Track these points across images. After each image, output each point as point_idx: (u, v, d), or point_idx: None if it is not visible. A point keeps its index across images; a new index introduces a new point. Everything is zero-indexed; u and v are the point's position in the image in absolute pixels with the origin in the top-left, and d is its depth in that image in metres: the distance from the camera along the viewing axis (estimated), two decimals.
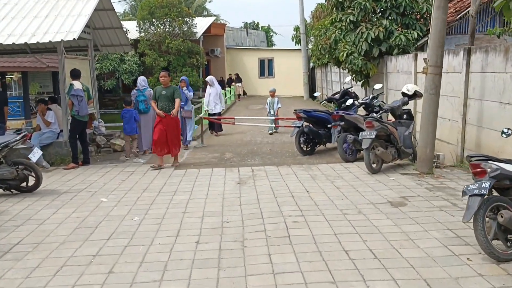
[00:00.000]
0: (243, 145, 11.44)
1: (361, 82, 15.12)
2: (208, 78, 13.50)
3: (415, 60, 10.77)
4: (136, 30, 29.31)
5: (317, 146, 10.06)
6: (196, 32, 29.76)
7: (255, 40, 40.19)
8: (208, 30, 31.03)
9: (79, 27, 8.94)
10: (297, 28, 32.15)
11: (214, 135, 13.32)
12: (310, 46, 31.50)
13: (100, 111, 13.05)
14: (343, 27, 14.31)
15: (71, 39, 8.64)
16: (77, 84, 9.09)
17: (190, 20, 29.41)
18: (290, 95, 32.20)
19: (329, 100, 10.52)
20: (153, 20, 28.60)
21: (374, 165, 7.77)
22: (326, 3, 30.69)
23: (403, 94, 8.28)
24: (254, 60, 33.65)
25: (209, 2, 49.03)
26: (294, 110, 9.97)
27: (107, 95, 30.82)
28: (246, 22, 48.07)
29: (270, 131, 13.17)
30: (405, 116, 8.42)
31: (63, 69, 9.65)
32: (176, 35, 28.91)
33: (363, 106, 9.60)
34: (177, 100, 8.97)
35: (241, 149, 10.85)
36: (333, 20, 14.79)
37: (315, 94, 11.86)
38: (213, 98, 12.97)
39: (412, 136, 8.36)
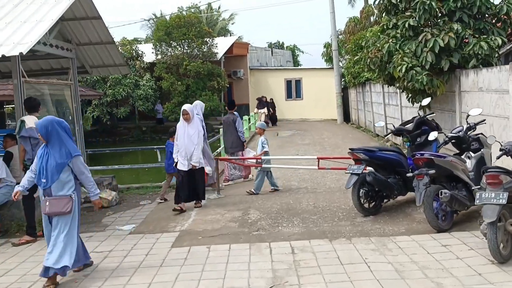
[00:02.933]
0: (274, 196, 8.29)
1: (420, 104, 11.90)
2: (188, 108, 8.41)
3: None
4: (152, 53, 26.99)
5: (384, 201, 6.88)
6: (217, 53, 27.20)
7: (281, 60, 37.41)
8: (230, 50, 28.42)
9: (34, 37, 6.10)
10: (327, 45, 29.16)
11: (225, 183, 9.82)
12: (342, 64, 28.48)
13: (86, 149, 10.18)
14: (399, 35, 11.21)
15: (17, 53, 5.78)
16: (30, 121, 6.17)
17: (211, 40, 26.92)
18: (321, 118, 29.04)
19: (398, 132, 7.34)
20: (170, 41, 26.16)
21: (503, 250, 4.55)
22: (359, 16, 27.86)
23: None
24: (280, 81, 30.74)
25: (232, 24, 46.86)
26: (350, 149, 6.83)
27: (122, 123, 28.35)
28: (271, 42, 45.54)
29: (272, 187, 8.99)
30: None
31: (19, 98, 6.81)
32: (195, 57, 26.41)
33: (453, 141, 6.43)
34: None
35: (272, 203, 7.71)
36: (385, 27, 11.68)
37: (377, 124, 8.53)
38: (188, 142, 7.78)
39: None
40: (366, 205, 6.69)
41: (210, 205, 7.90)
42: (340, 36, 28.81)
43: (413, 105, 12.45)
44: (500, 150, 5.22)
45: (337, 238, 5.73)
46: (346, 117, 27.12)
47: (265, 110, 25.49)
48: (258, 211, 7.27)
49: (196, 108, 8.60)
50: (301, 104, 30.13)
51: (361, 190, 6.61)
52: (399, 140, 14.53)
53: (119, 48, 27.00)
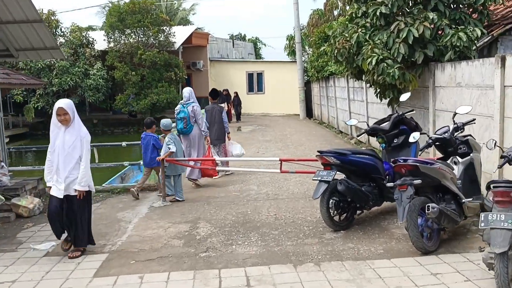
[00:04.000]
0: (230, 203, 7.13)
1: (389, 99, 11.09)
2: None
3: (503, 67, 6.71)
4: (104, 40, 25.17)
5: (357, 212, 5.86)
6: (175, 42, 25.68)
7: (242, 52, 36.15)
8: (188, 40, 26.93)
9: None
10: (290, 38, 28.19)
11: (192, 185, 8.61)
12: (305, 57, 27.58)
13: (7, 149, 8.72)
14: (369, 24, 10.29)
15: None
16: None
17: (168, 29, 25.36)
18: (283, 113, 28.11)
19: (373, 131, 6.27)
20: (124, 28, 24.42)
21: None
22: (323, 9, 27.01)
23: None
24: (241, 74, 29.53)
25: (193, 14, 45.14)
26: (319, 152, 5.76)
27: None
28: (232, 34, 44.14)
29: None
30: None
31: None
32: (150, 46, 24.81)
33: (437, 144, 5.47)
34: None
35: (226, 214, 6.55)
36: (354, 15, 10.73)
37: (349, 123, 7.40)
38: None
39: None
40: (336, 218, 5.65)
41: (152, 215, 6.66)
42: (303, 30, 27.89)
43: (381, 101, 11.59)
44: (502, 157, 4.28)
45: (303, 262, 4.64)
46: (309, 113, 26.28)
47: (224, 105, 24.07)
48: (209, 223, 6.10)
49: (191, 94, 8.75)
50: (263, 98, 29.08)
51: (331, 201, 5.56)
52: (378, 141, 13.68)
53: (67, 34, 25.31)
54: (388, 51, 9.44)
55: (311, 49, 27.95)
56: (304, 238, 5.42)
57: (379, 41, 9.69)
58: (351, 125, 6.86)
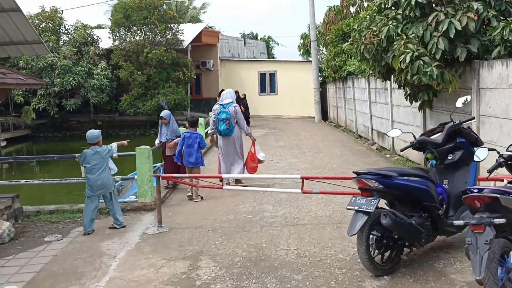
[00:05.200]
0: (240, 230, 5.83)
1: (421, 102, 9.81)
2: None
3: None
4: (109, 38, 24.06)
5: (404, 251, 4.53)
6: (183, 41, 24.48)
7: (254, 51, 34.84)
8: (198, 38, 25.71)
9: None
10: (304, 36, 26.83)
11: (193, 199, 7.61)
12: (320, 56, 26.20)
13: None
14: (400, 16, 8.98)
15: None
16: None
17: (176, 26, 24.15)
18: (297, 115, 26.75)
19: (420, 145, 4.92)
20: (130, 25, 23.28)
21: None
22: (340, 5, 25.61)
23: None
24: (253, 74, 28.22)
25: (204, 13, 43.84)
26: (356, 173, 4.43)
27: (73, 116, 25.31)
28: (244, 33, 42.89)
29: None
30: None
31: None
32: (157, 44, 23.62)
33: (510, 162, 4.15)
34: None
35: (234, 247, 5.26)
36: (383, 6, 9.40)
37: (390, 134, 6.04)
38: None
39: None
40: (378, 258, 4.34)
41: (144, 246, 5.38)
42: (318, 27, 26.52)
43: (411, 103, 10.23)
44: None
45: None
46: (324, 115, 24.92)
47: None
48: (214, 261, 4.81)
49: (231, 94, 8.57)
50: (276, 100, 27.72)
51: (371, 236, 4.26)
52: (414, 152, 12.27)
53: (72, 32, 24.25)
54: (425, 47, 8.12)
55: (325, 48, 26.65)
56: (337, 287, 4.11)
57: (413, 35, 8.34)
58: (393, 137, 5.80)
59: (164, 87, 23.06)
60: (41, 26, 23.31)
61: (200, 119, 8.11)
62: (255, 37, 42.36)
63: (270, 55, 39.05)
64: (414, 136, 5.16)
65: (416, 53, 8.04)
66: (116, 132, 24.90)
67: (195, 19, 39.45)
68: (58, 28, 23.90)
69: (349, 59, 19.21)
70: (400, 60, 8.19)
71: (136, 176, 7.11)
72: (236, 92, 22.03)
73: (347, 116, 20.00)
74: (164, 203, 7.29)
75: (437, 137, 4.94)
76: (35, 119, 22.73)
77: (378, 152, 12.82)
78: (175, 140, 8.12)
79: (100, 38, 24.41)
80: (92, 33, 24.30)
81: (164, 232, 5.84)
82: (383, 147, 13.55)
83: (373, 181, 4.25)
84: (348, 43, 10.04)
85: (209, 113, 16.60)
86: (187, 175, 6.37)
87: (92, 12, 67.47)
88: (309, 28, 24.47)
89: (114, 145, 6.30)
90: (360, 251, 4.24)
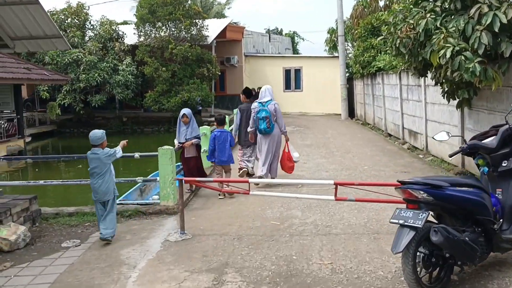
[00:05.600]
0: (267, 239, 5.40)
1: (459, 100, 9.22)
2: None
3: None
4: (134, 34, 23.94)
5: (452, 272, 4.03)
6: (208, 36, 24.17)
7: (279, 47, 34.33)
8: (222, 34, 25.36)
9: None
10: (331, 31, 26.16)
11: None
12: (348, 52, 25.49)
13: None
14: (439, 8, 8.38)
15: None
16: None
17: (201, 22, 23.86)
18: (322, 112, 26.14)
19: (471, 149, 4.41)
20: (155, 21, 23.08)
21: None
22: None
23: None
24: (278, 70, 27.72)
25: (228, 9, 43.55)
26: (401, 182, 3.94)
27: (99, 112, 25.33)
28: (268, 29, 42.36)
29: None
30: None
31: None
32: (182, 40, 23.38)
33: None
34: None
35: (263, 257, 4.84)
36: None
37: (437, 138, 5.54)
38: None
39: None
40: (425, 278, 3.87)
41: (166, 255, 5.01)
42: (345, 22, 25.81)
43: (448, 101, 9.63)
44: None
45: None
46: (350, 112, 24.27)
47: None
48: (240, 275, 4.41)
49: (270, 92, 8.52)
50: (301, 96, 27.17)
51: (418, 253, 3.79)
52: (439, 148, 11.64)
53: (97, 28, 24.23)
54: (465, 42, 7.52)
55: (352, 44, 25.94)
56: None
57: (453, 28, 7.75)
58: (441, 140, 5.57)
59: (188, 84, 22.81)
60: (66, 21, 23.36)
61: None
62: (279, 32, 41.81)
63: (295, 51, 38.43)
64: (464, 140, 4.64)
65: (457, 48, 7.47)
66: (141, 128, 24.82)
67: (220, 15, 39.16)
68: (83, 23, 23.91)
69: (379, 54, 18.55)
70: (440, 55, 7.63)
71: (158, 178, 6.77)
72: (259, 88, 21.49)
73: (375, 114, 19.34)
74: (187, 206, 6.93)
75: (491, 141, 4.41)
76: (60, 114, 22.79)
77: (410, 152, 12.22)
78: (193, 141, 7.65)
79: (125, 34, 24.31)
80: (117, 29, 24.23)
81: (187, 239, 5.47)
82: (415, 146, 12.94)
83: (421, 192, 3.76)
84: (382, 37, 9.44)
85: (234, 110, 16.30)
86: (210, 178, 5.94)
87: (118, 8, 68.06)
88: (337, 23, 23.81)
89: (118, 149, 5.78)
90: (405, 270, 3.77)
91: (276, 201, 6.90)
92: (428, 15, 8.23)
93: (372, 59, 18.83)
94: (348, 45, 26.09)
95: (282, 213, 6.44)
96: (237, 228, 5.82)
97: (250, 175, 8.85)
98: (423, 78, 12.66)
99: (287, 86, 27.67)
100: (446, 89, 9.22)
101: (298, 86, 27.57)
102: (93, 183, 5.54)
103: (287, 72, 27.79)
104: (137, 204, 7.34)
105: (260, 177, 7.93)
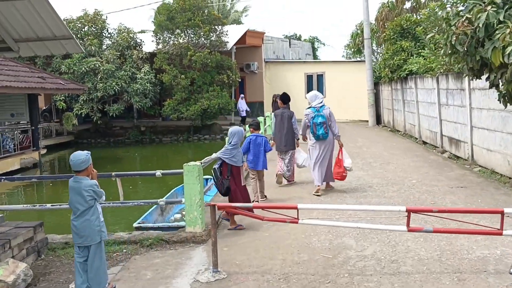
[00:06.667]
0: (321, 281, 4.30)
1: None
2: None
3: None
4: (152, 41, 23.24)
5: None
6: (227, 42, 23.34)
7: (300, 53, 33.32)
8: (242, 39, 24.50)
9: None
10: (355, 35, 25.08)
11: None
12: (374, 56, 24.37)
13: None
14: (501, 1, 7.30)
15: None
16: None
17: (220, 28, 23.04)
18: (347, 119, 24.96)
19: None
20: (173, 28, 22.33)
21: None
22: (394, 1, 23.75)
23: None
24: (299, 76, 26.68)
25: (245, 16, 42.70)
26: None
27: (117, 122, 24.64)
28: (286, 35, 41.42)
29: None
30: None
31: None
32: (201, 46, 22.58)
33: None
34: None
35: None
36: None
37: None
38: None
39: None
40: None
41: None
42: (371, 25, 24.71)
43: (505, 107, 8.46)
44: None
45: None
46: (376, 119, 23.09)
47: None
48: None
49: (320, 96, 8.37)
50: (324, 103, 26.01)
51: None
52: (488, 158, 10.43)
53: (115, 36, 23.62)
54: None
55: (379, 47, 24.83)
56: None
57: None
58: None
59: (208, 91, 21.98)
60: (83, 30, 22.78)
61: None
62: (298, 38, 40.84)
63: (315, 56, 37.39)
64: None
65: None
66: (160, 138, 24.04)
67: (237, 22, 38.41)
68: (101, 31, 23.31)
69: (411, 57, 17.41)
70: (508, 52, 6.54)
71: (183, 199, 5.78)
72: (279, 95, 19.99)
73: (406, 120, 18.14)
74: (217, 231, 5.93)
75: None
76: (77, 125, 22.13)
77: (456, 162, 11.05)
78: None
79: (143, 41, 23.66)
80: (135, 37, 23.57)
81: (222, 279, 4.45)
82: (457, 155, 11.77)
83: None
84: (431, 34, 8.36)
85: (257, 118, 15.26)
86: (250, 204, 4.88)
87: (136, 17, 68.00)
88: (362, 25, 22.74)
89: (103, 195, 4.26)
90: None
91: (321, 226, 5.84)
92: (489, 7, 7.13)
93: (402, 62, 17.68)
94: (374, 48, 24.97)
95: (332, 241, 5.37)
96: (281, 264, 4.77)
97: (288, 181, 9.05)
98: (467, 81, 11.54)
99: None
100: (503, 92, 8.09)
101: (321, 92, 26.43)
102: (72, 220, 4.18)
103: (309, 78, 26.75)
104: (158, 227, 6.38)
105: (318, 190, 7.80)
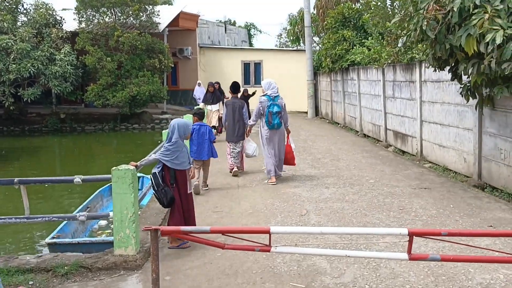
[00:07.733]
0: None
1: (480, 98, 7.67)
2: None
3: None
4: (74, 20, 21.00)
5: None
6: (159, 24, 21.65)
7: (236, 39, 32.11)
8: (175, 22, 22.87)
9: None
10: (294, 22, 24.34)
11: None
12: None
13: None
14: None
15: None
16: None
17: (151, 7, 21.29)
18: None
19: None
20: (98, 5, 20.27)
21: None
22: None
23: None
24: (236, 64, 25.52)
25: None
26: None
27: (33, 107, 22.12)
28: (220, 20, 39.98)
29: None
30: None
31: None
32: (130, 27, 20.72)
33: None
34: None
35: None
36: None
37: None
38: None
39: None
40: None
41: None
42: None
43: (467, 101, 7.95)
44: None
45: None
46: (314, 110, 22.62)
47: (218, 106, 15.55)
48: None
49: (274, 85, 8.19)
50: (261, 93, 25.05)
51: None
52: (440, 154, 9.90)
53: (31, 12, 21.08)
54: None
55: (318, 36, 24.30)
56: None
57: (501, 7, 6.04)
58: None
59: (137, 76, 20.22)
60: None
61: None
62: (233, 23, 39.58)
63: (251, 44, 36.40)
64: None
65: (509, 31, 5.76)
66: (82, 127, 21.85)
67: (168, 2, 36.37)
68: (15, 7, 20.65)
69: (353, 47, 16.89)
70: (487, 40, 5.87)
71: (111, 213, 4.48)
72: (217, 83, 18.23)
73: (346, 113, 17.68)
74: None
75: None
76: None
77: (404, 157, 10.57)
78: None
79: (64, 19, 21.31)
80: (55, 14, 21.15)
81: None
82: (403, 150, 11.33)
83: None
84: (397, 18, 7.56)
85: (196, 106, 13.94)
86: (207, 227, 3.68)
87: None
88: (302, 13, 22.00)
89: None
90: None
91: (284, 240, 4.79)
92: None
93: (344, 52, 17.13)
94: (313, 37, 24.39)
95: (300, 264, 4.34)
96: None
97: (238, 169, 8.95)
98: (418, 73, 11.08)
99: (246, 81, 25.51)
100: (468, 85, 7.53)
101: (258, 81, 25.50)
102: None
103: (246, 66, 25.68)
104: (78, 243, 5.02)
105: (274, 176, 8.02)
